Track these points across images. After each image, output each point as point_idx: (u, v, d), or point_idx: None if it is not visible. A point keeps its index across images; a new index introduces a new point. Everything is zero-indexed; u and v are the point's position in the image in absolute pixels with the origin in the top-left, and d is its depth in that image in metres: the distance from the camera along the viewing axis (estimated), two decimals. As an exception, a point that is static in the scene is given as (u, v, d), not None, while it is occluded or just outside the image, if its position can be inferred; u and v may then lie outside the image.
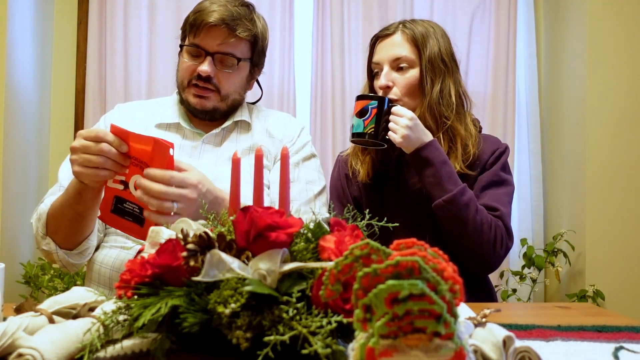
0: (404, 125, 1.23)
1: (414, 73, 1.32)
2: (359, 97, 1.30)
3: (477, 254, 1.26)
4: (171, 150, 0.97)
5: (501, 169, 1.35)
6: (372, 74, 1.39)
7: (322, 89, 2.57)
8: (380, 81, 1.32)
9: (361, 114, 1.27)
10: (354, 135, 1.28)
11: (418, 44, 1.31)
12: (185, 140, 1.33)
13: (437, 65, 1.31)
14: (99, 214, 1.05)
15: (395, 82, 1.32)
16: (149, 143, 0.96)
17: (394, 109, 1.26)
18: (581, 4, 2.39)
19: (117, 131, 0.97)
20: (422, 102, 1.32)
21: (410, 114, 1.24)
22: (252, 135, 1.36)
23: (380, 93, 1.34)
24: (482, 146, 1.35)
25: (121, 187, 1.01)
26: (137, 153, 0.97)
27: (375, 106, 1.26)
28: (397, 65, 1.32)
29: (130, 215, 1.01)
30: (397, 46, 1.32)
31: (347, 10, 2.57)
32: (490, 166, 1.35)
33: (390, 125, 1.25)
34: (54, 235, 1.17)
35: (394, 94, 1.32)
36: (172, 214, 0.96)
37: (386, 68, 1.33)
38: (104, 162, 0.97)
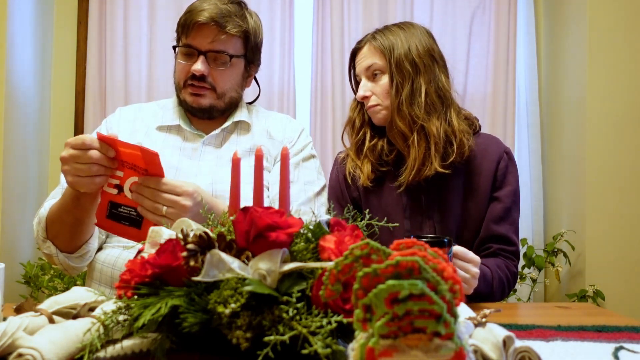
0: (474, 274, 1.08)
1: (386, 79, 1.34)
2: (420, 238, 0.99)
3: (489, 301, 1.24)
4: (158, 158, 0.97)
5: (517, 186, 1.35)
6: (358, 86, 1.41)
7: (322, 89, 2.57)
8: (359, 93, 1.36)
9: None
10: None
11: (384, 50, 1.34)
12: (186, 142, 1.33)
13: (404, 67, 1.32)
14: (96, 220, 1.06)
15: (373, 91, 1.35)
16: (136, 149, 0.97)
17: (456, 250, 1.08)
18: (581, 4, 2.39)
19: (103, 138, 0.98)
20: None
21: (476, 258, 1.10)
22: (252, 136, 1.36)
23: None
24: (482, 147, 1.34)
25: (115, 191, 1.01)
26: (128, 157, 0.98)
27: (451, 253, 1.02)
28: (372, 73, 1.35)
29: (126, 220, 1.02)
30: (367, 57, 1.36)
31: (347, 10, 2.57)
32: (503, 181, 1.33)
33: (460, 273, 1.07)
34: (55, 239, 1.17)
35: (373, 101, 1.34)
36: (162, 214, 0.97)
37: (363, 79, 1.36)
38: (96, 169, 0.97)
